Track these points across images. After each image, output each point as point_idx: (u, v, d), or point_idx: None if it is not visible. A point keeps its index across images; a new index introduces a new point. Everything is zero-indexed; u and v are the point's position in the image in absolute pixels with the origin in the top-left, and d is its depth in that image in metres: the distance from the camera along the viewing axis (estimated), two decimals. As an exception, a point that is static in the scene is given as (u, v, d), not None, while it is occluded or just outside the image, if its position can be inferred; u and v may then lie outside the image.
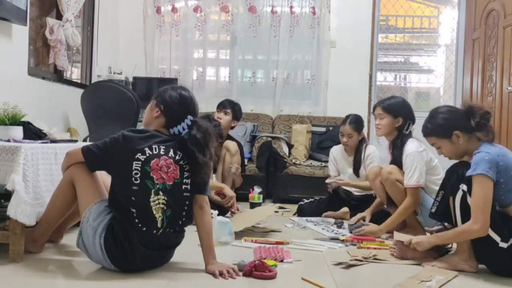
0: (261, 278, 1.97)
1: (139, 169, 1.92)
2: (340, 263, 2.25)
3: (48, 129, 2.62)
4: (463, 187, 2.13)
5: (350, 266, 2.24)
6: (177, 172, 1.97)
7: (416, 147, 2.88)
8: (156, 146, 1.97)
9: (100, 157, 2.00)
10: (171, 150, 1.99)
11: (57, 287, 1.88)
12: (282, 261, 2.26)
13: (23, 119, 2.43)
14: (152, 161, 1.93)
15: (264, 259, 2.16)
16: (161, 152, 1.96)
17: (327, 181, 3.63)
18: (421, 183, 2.80)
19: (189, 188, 2.01)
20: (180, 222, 2.03)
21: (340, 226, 3.20)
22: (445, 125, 2.27)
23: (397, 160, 2.94)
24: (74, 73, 4.58)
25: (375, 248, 2.57)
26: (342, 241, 2.74)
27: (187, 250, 2.21)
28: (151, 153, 1.95)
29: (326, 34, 5.22)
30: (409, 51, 5.80)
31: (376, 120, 3.04)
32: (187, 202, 2.01)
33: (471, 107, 2.23)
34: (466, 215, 2.11)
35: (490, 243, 2.07)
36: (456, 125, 2.23)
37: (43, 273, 1.99)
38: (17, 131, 2.34)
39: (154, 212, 1.92)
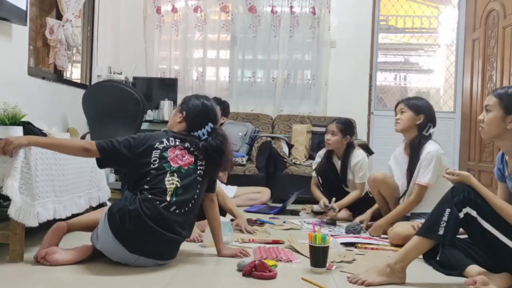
0: (261, 278, 1.97)
1: (158, 156, 2.12)
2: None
3: (48, 129, 2.61)
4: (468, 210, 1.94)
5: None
6: (192, 160, 2.17)
7: (437, 148, 2.85)
8: (172, 139, 2.20)
9: (116, 151, 2.13)
10: (187, 142, 2.20)
11: (57, 287, 1.88)
12: (281, 261, 2.26)
13: (23, 119, 2.42)
14: (169, 149, 2.15)
15: (265, 259, 2.17)
16: (177, 143, 2.19)
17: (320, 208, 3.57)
18: (431, 184, 2.79)
19: (202, 173, 2.19)
20: (190, 206, 2.11)
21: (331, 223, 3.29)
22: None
23: (413, 160, 2.88)
24: (74, 73, 4.58)
25: (372, 249, 2.59)
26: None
27: (187, 250, 2.21)
28: (168, 143, 2.18)
29: (326, 34, 5.23)
30: (409, 51, 5.79)
31: (397, 115, 2.97)
32: (198, 186, 2.17)
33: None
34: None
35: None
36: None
37: (43, 273, 1.99)
38: (17, 131, 2.34)
39: (168, 185, 2.07)
